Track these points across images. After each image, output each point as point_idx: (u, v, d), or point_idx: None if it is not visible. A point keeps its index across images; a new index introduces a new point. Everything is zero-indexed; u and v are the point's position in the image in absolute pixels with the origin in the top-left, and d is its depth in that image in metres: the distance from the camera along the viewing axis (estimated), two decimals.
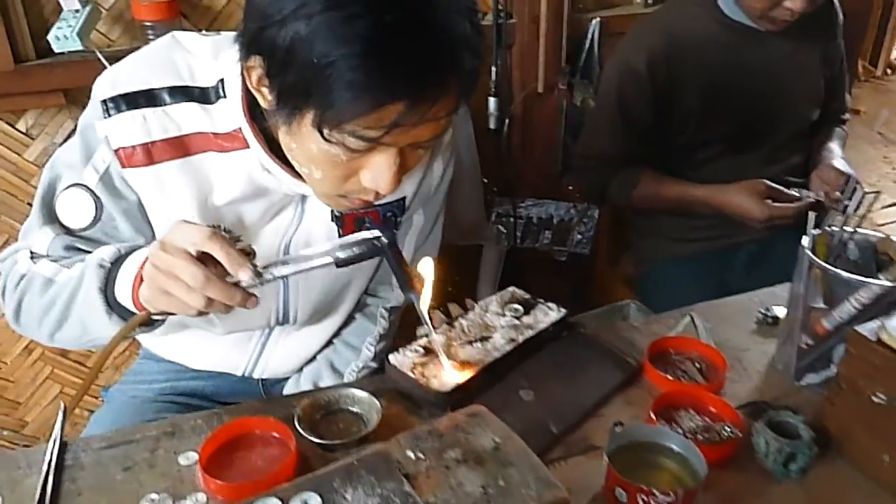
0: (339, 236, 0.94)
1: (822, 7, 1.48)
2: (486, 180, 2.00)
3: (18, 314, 0.90)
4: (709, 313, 1.00)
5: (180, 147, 0.83)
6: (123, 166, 0.83)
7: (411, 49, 0.65)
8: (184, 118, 0.83)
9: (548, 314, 0.93)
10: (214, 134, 0.83)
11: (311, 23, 0.64)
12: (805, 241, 0.84)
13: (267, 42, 0.68)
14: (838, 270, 0.80)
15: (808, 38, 1.54)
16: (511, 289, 0.99)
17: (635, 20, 1.66)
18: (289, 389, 1.09)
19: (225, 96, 0.82)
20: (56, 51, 1.44)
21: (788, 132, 1.57)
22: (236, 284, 0.70)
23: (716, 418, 0.79)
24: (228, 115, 0.82)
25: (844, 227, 0.85)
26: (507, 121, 1.91)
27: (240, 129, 0.82)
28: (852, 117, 4.91)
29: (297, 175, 0.82)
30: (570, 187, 1.61)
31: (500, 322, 0.92)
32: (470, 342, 0.89)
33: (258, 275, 0.70)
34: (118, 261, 0.80)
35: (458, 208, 1.90)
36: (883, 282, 0.78)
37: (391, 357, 0.85)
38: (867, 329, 0.70)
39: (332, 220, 0.93)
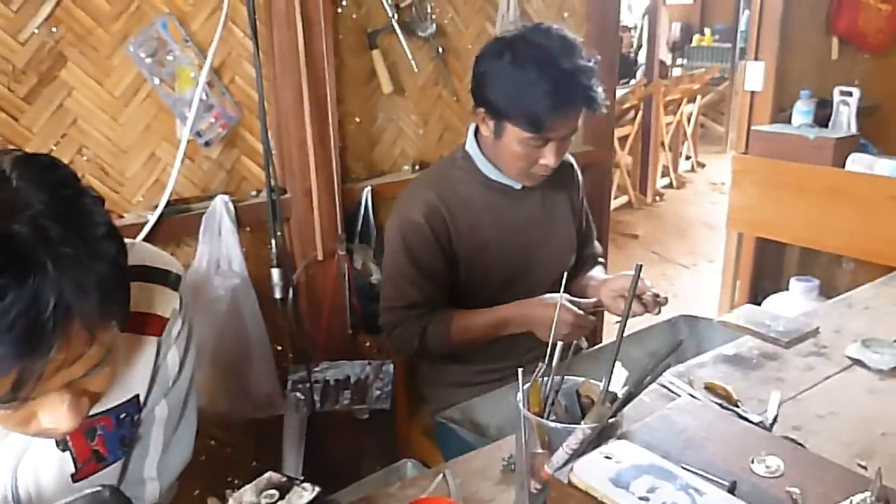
0: (68, 451, 0.90)
1: (563, 166, 1.71)
2: (279, 348, 2.04)
3: None
4: (460, 468, 1.07)
5: None
6: None
7: None
8: None
9: (302, 496, 0.95)
10: None
11: None
12: (519, 395, 0.94)
13: None
14: (543, 420, 0.90)
15: (556, 193, 1.77)
16: (268, 474, 1.00)
17: (404, 185, 1.82)
18: None
19: None
20: None
21: (549, 277, 1.74)
22: None
23: None
24: None
25: (552, 377, 0.97)
26: (291, 289, 1.97)
27: None
28: (631, 242, 5.42)
29: None
30: (390, 344, 1.66)
31: None
32: None
33: None
34: None
35: (249, 382, 1.91)
36: (584, 426, 0.89)
37: None
38: (561, 473, 0.79)
39: (58, 445, 0.89)
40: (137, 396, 0.95)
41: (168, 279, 0.96)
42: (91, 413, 0.86)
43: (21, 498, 0.90)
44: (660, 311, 1.60)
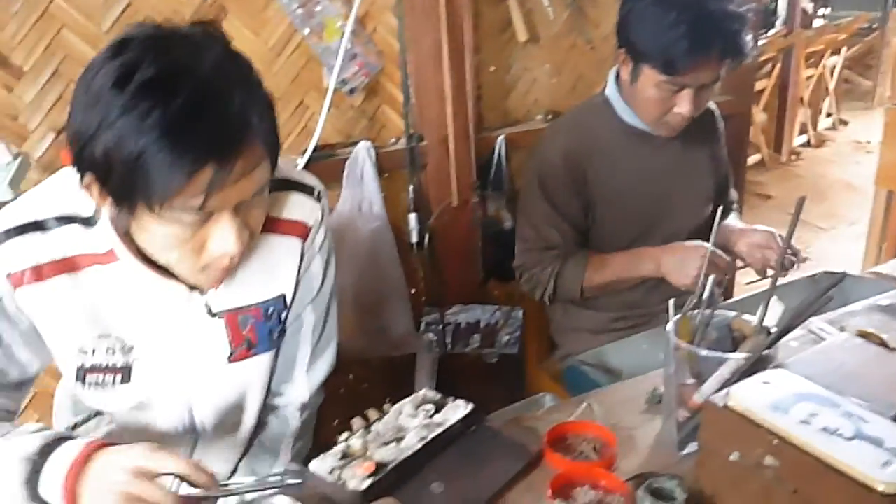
0: (225, 325, 1.02)
1: (705, 114, 1.67)
2: (414, 291, 2.12)
3: None
4: (604, 398, 1.10)
5: (67, 265, 0.92)
6: (14, 288, 0.90)
7: (200, 123, 0.76)
8: (69, 241, 0.92)
9: (457, 411, 1.02)
10: (95, 254, 0.93)
11: (114, 129, 0.76)
12: (669, 325, 0.96)
13: (88, 158, 0.79)
14: (698, 349, 0.92)
15: (696, 142, 1.72)
16: (424, 391, 1.07)
17: (538, 135, 1.84)
18: None
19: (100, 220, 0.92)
20: None
21: (686, 227, 1.72)
22: None
23: (607, 491, 0.88)
24: (104, 236, 0.91)
25: (702, 310, 0.97)
26: (427, 234, 2.04)
27: (113, 249, 0.92)
28: (764, 203, 5.16)
29: (170, 278, 0.92)
30: (523, 286, 1.72)
31: (413, 423, 1.00)
32: (386, 443, 0.96)
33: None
34: (44, 452, 0.83)
35: (386, 321, 2.01)
36: (738, 355, 0.90)
37: (312, 463, 0.92)
38: (717, 398, 0.81)
39: (211, 315, 1.01)
40: (284, 296, 1.06)
41: (312, 192, 1.07)
42: (242, 304, 1.02)
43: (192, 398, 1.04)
44: (797, 268, 1.55)
